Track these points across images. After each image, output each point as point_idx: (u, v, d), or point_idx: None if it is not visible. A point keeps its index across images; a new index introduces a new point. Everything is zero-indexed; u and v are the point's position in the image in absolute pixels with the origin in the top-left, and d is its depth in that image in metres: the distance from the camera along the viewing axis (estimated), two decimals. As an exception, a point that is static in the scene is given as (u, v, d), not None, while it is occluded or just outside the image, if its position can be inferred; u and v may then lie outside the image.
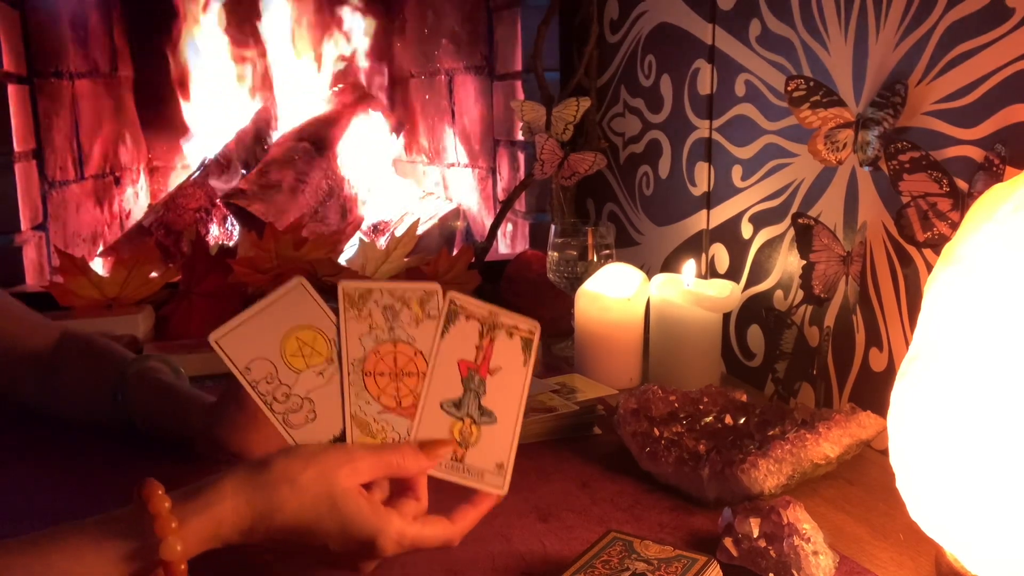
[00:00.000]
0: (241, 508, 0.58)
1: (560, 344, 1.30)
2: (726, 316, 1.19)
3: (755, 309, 1.16)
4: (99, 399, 0.92)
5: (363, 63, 2.07)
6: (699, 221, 1.27)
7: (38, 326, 0.98)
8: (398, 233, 1.78)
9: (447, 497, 0.66)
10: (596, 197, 1.57)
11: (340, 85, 2.02)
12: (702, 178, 1.25)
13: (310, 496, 0.59)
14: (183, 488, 0.59)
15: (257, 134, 1.98)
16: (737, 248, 1.19)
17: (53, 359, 0.95)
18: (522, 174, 1.65)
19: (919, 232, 0.84)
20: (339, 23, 2.02)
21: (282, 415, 0.63)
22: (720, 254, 1.23)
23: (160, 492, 0.57)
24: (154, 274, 1.36)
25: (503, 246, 1.76)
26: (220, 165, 1.91)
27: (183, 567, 0.56)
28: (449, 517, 0.65)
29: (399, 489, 0.66)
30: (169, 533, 0.55)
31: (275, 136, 1.97)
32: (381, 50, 2.08)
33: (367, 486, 0.63)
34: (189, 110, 1.98)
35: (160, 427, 0.89)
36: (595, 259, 1.23)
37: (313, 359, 0.64)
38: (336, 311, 0.65)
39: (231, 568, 0.67)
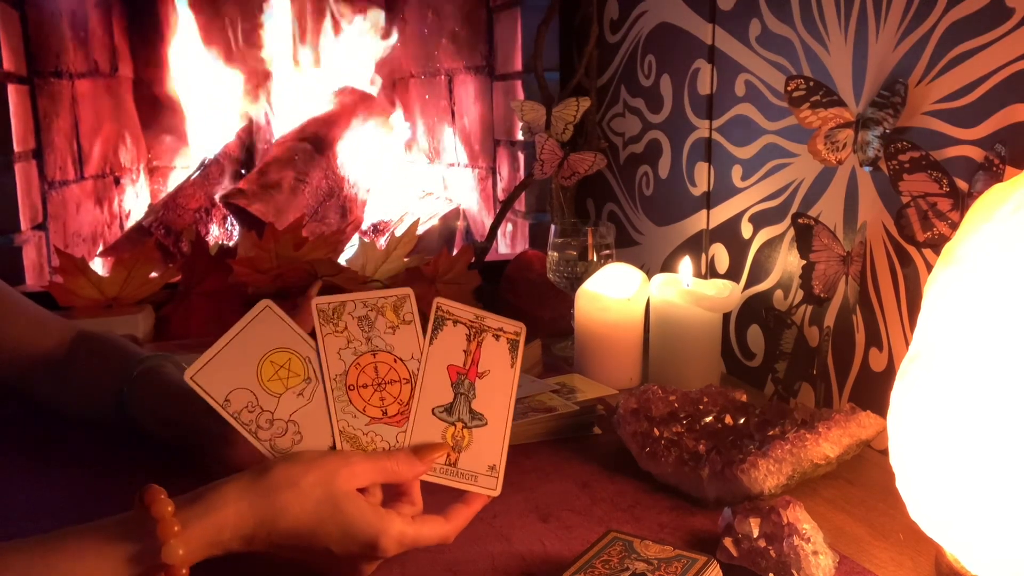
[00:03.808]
0: (244, 513, 0.58)
1: (560, 344, 1.30)
2: (726, 316, 1.19)
3: (755, 309, 1.16)
4: (105, 396, 0.90)
5: (363, 63, 2.07)
6: (699, 221, 1.27)
7: (51, 325, 0.96)
8: (398, 233, 1.77)
9: (439, 492, 0.67)
10: (596, 197, 1.57)
11: (341, 85, 2.02)
12: (702, 178, 1.25)
13: (312, 500, 0.60)
14: (185, 494, 0.59)
15: (257, 134, 1.98)
16: (737, 248, 1.19)
17: (66, 357, 0.94)
18: (522, 174, 1.65)
19: (919, 232, 0.84)
20: (340, 22, 2.02)
21: (268, 442, 0.64)
22: (720, 254, 1.23)
23: (163, 496, 0.57)
24: (154, 274, 1.36)
25: (503, 246, 1.76)
26: (220, 165, 1.91)
27: (185, 572, 0.56)
28: (444, 515, 0.66)
29: (394, 494, 0.66)
30: (171, 536, 0.55)
31: (275, 136, 1.98)
32: (381, 50, 2.08)
33: (362, 492, 0.63)
34: (189, 111, 1.98)
35: (159, 428, 0.88)
36: (595, 259, 1.23)
37: (291, 381, 0.64)
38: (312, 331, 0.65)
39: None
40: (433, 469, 0.66)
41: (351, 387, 0.65)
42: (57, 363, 0.94)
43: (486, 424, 0.68)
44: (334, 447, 0.65)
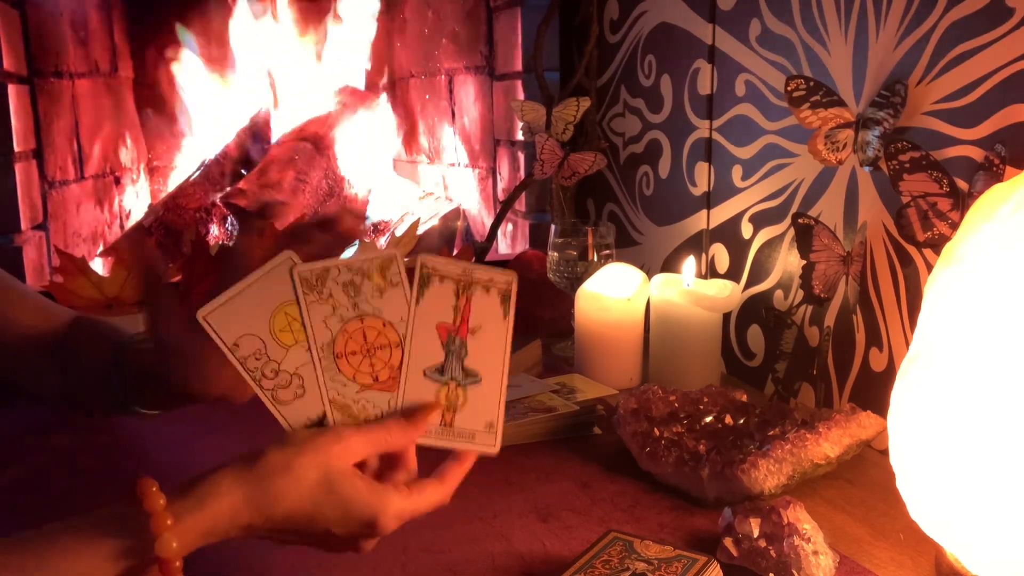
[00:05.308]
0: (238, 504, 0.58)
1: (560, 344, 1.30)
2: (726, 316, 1.19)
3: (755, 309, 1.16)
4: (103, 373, 0.85)
5: (363, 63, 2.07)
6: (699, 221, 1.27)
7: (55, 312, 0.92)
8: (398, 233, 1.77)
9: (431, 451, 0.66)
10: (596, 197, 1.57)
11: (341, 85, 2.02)
12: (702, 178, 1.25)
13: (307, 482, 0.59)
14: (177, 483, 0.58)
15: (256, 134, 1.98)
16: (737, 248, 1.19)
17: (69, 342, 0.89)
18: (522, 174, 1.65)
19: (919, 232, 0.84)
20: (339, 22, 2.02)
21: (271, 391, 0.62)
22: (720, 254, 1.23)
23: (154, 489, 0.56)
24: (154, 274, 1.35)
25: (503, 246, 1.76)
26: (220, 165, 1.91)
27: (178, 564, 0.56)
28: (437, 477, 0.64)
29: (389, 461, 0.65)
30: (164, 530, 0.55)
31: (275, 136, 1.97)
32: (381, 50, 2.08)
33: (359, 465, 0.62)
34: (189, 110, 1.98)
35: (145, 386, 0.81)
36: (595, 259, 1.23)
37: (301, 334, 0.62)
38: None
39: (225, 567, 0.67)
40: (428, 433, 0.64)
41: (339, 355, 0.63)
42: (62, 348, 0.89)
43: (481, 381, 0.65)
44: (325, 417, 0.63)
